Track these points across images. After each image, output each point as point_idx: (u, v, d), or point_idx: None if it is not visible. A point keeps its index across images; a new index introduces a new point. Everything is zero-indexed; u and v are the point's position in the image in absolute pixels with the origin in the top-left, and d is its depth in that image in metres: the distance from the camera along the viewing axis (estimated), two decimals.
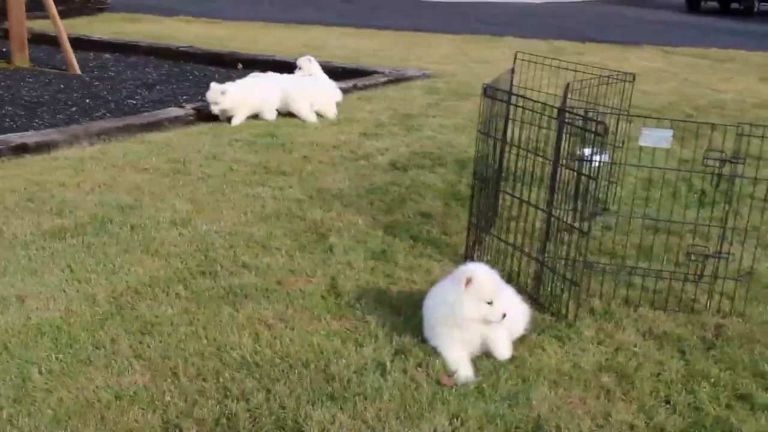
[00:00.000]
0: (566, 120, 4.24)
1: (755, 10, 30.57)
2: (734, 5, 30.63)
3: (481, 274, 3.70)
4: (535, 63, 6.34)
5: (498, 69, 12.88)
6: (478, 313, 3.66)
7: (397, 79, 11.00)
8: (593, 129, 3.98)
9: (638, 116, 5.54)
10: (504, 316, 3.66)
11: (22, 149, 6.72)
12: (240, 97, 8.21)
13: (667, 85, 11.86)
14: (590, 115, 4.36)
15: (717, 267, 4.46)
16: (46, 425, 3.14)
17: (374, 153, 7.31)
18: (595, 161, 6.07)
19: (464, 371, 3.61)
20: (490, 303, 3.64)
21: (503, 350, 3.76)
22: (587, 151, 4.64)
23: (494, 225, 5.33)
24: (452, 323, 3.70)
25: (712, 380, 3.67)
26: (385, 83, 10.73)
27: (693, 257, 4.51)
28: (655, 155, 6.07)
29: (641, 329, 4.15)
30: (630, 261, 4.94)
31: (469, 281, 3.65)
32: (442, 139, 7.98)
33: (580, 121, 4.19)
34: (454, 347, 3.72)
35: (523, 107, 4.54)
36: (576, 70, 6.02)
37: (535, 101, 4.50)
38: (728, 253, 4.46)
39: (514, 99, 4.76)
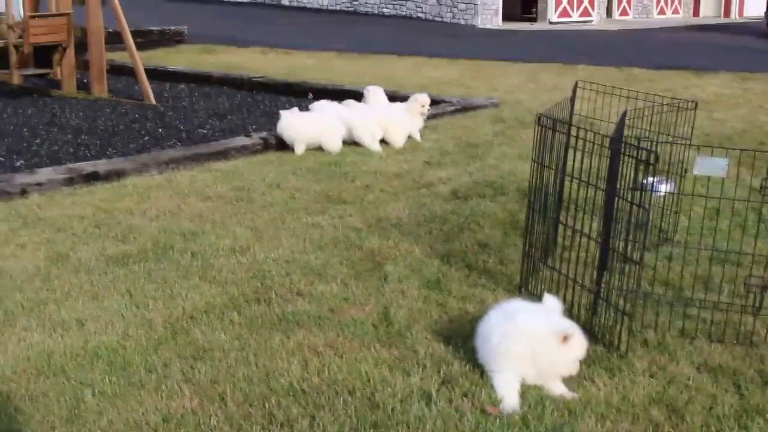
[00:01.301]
0: (618, 149, 4.20)
1: None
2: None
3: (579, 334, 3.70)
4: (598, 92, 6.30)
5: (566, 96, 12.84)
6: (568, 370, 3.70)
7: (465, 108, 11.01)
8: (644, 157, 3.93)
9: (703, 145, 5.45)
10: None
11: (93, 177, 6.95)
12: (300, 125, 8.35)
13: (740, 112, 11.60)
14: (644, 143, 4.31)
15: None
16: None
17: (436, 182, 7.34)
18: (660, 191, 6.00)
19: (511, 400, 3.60)
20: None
21: (562, 389, 3.75)
22: (650, 181, 4.59)
23: (552, 255, 5.29)
24: (528, 361, 3.69)
25: (767, 416, 3.57)
26: (452, 112, 10.75)
27: (750, 288, 4.40)
28: (718, 185, 5.96)
29: (696, 362, 4.06)
30: (688, 292, 4.85)
31: (566, 339, 3.64)
32: (504, 168, 7.96)
33: (634, 150, 4.15)
34: (510, 376, 3.71)
35: (576, 137, 4.51)
36: (637, 98, 5.97)
37: (587, 130, 4.47)
38: None
39: (567, 128, 4.73)
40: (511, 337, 3.74)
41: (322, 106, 8.98)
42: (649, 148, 4.01)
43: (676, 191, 5.96)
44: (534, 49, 20.76)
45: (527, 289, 4.84)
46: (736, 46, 24.48)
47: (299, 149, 8.28)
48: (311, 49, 18.01)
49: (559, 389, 3.72)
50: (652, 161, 3.88)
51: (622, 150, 4.22)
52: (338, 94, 11.09)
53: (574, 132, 4.57)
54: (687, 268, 5.19)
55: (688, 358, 4.09)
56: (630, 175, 4.37)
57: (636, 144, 4.17)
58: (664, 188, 5.92)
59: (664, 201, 5.93)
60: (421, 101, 9.09)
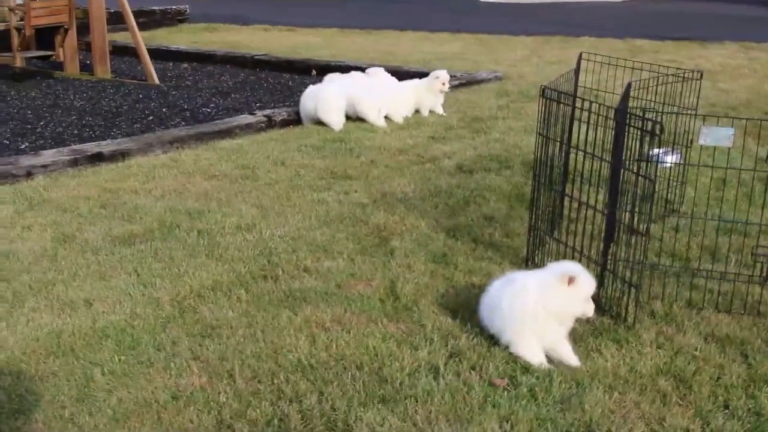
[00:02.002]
0: (623, 120, 4.18)
1: None
2: None
3: (582, 273, 3.76)
4: (603, 64, 6.27)
5: (570, 69, 12.77)
6: (582, 310, 3.75)
7: (469, 82, 10.97)
8: (649, 128, 3.91)
9: (708, 115, 5.43)
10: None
11: (97, 158, 6.94)
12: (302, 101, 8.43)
13: (746, 82, 11.52)
14: (649, 114, 4.29)
15: None
16: (105, 424, 3.26)
17: (441, 156, 7.32)
18: (666, 162, 5.98)
19: (537, 358, 3.72)
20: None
21: (573, 358, 3.79)
22: (656, 152, 4.57)
23: (558, 228, 5.27)
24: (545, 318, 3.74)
25: None
26: (456, 86, 10.69)
27: (758, 258, 4.39)
28: (725, 154, 5.94)
29: (703, 332, 4.06)
30: (695, 263, 4.84)
31: (572, 280, 3.69)
32: (509, 141, 7.93)
33: (639, 121, 4.13)
34: (528, 336, 3.76)
35: (581, 108, 4.49)
36: (642, 69, 5.94)
37: (592, 102, 4.45)
38: None
39: (572, 100, 4.71)
40: (520, 297, 3.78)
41: (332, 78, 8.98)
42: (654, 119, 3.98)
43: (682, 162, 5.94)
44: (537, 23, 20.63)
45: (534, 261, 4.84)
46: (741, 16, 24.30)
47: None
48: (314, 26, 17.92)
49: (568, 355, 3.77)
50: (657, 132, 3.86)
51: (627, 121, 4.20)
52: (341, 71, 11.00)
53: (579, 104, 4.54)
54: (694, 239, 5.20)
55: (696, 328, 4.09)
56: (635, 146, 4.36)
57: (641, 115, 4.15)
58: (670, 159, 5.89)
59: (670, 172, 5.91)
60: (441, 78, 9.03)
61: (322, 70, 12.11)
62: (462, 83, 10.89)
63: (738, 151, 6.11)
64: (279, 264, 4.83)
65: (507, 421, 3.27)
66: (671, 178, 5.91)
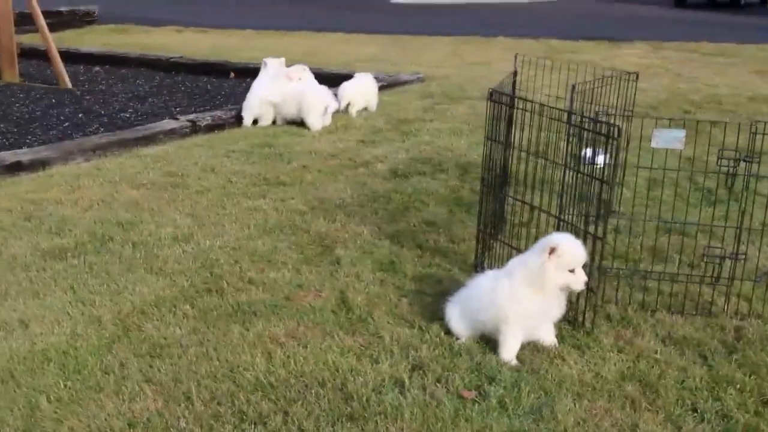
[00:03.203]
0: (577, 124, 4.16)
1: (741, 2, 30.62)
2: None
3: (565, 242, 3.74)
4: (539, 66, 6.24)
5: (491, 70, 12.87)
6: (565, 281, 3.71)
7: (392, 84, 10.90)
8: (607, 132, 3.88)
9: (651, 117, 5.45)
10: (586, 284, 3.77)
11: (16, 167, 6.61)
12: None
13: (662, 81, 11.79)
14: (600, 118, 4.27)
15: (734, 268, 4.38)
16: None
17: (373, 160, 7.22)
18: (598, 163, 6.00)
19: (510, 353, 3.75)
20: (572, 271, 3.70)
21: (552, 337, 3.90)
22: (589, 153, 4.57)
23: (502, 231, 5.23)
24: (534, 290, 3.74)
25: (738, 386, 3.58)
26: (380, 88, 10.60)
27: (709, 259, 4.42)
28: (655, 155, 6.00)
29: (660, 334, 4.06)
30: (643, 264, 4.86)
31: (552, 250, 3.67)
32: (440, 144, 7.88)
33: (592, 125, 4.11)
34: (519, 325, 3.77)
35: (531, 111, 4.44)
36: (571, 70, 5.96)
37: (543, 105, 4.41)
38: (744, 254, 4.38)
39: (520, 103, 4.67)
40: (504, 284, 3.81)
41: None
42: (611, 123, 3.96)
43: (612, 162, 5.97)
44: (450, 23, 20.77)
45: (483, 267, 4.78)
46: (647, 17, 24.97)
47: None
48: (228, 27, 17.62)
49: (550, 338, 3.87)
50: (615, 135, 3.84)
51: (581, 125, 4.17)
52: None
53: (528, 107, 4.50)
54: (635, 240, 5.22)
55: (652, 331, 4.09)
56: (570, 149, 4.35)
57: (595, 119, 4.13)
58: (601, 160, 5.92)
59: (603, 173, 5.93)
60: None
61: (242, 72, 11.91)
62: (385, 85, 10.80)
63: (665, 152, 6.19)
64: (222, 276, 4.64)
65: None
66: (609, 179, 5.93)
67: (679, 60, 14.78)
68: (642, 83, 11.35)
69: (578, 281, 3.74)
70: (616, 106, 5.83)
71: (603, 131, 3.96)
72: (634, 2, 30.60)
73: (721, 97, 10.77)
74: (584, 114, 4.27)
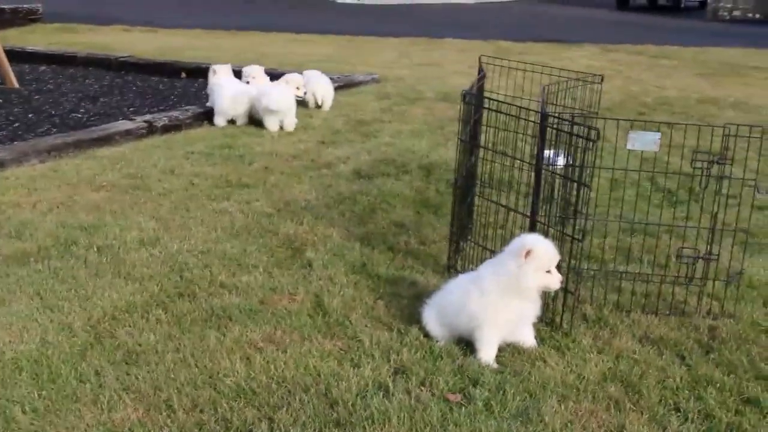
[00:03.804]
0: (553, 126, 4.17)
1: (682, 6, 31.24)
2: (662, 2, 31.27)
3: (540, 244, 3.74)
4: (495, 66, 6.25)
5: (443, 71, 12.92)
6: (541, 281, 3.71)
7: (347, 85, 10.86)
8: (586, 135, 3.90)
9: (623, 119, 5.49)
10: (562, 283, 3.77)
11: None
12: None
13: (614, 83, 11.92)
14: (575, 120, 4.29)
15: (707, 269, 4.44)
16: None
17: (335, 162, 7.16)
18: (558, 163, 6.04)
19: (488, 355, 3.75)
20: (548, 272, 3.71)
21: (532, 339, 3.92)
22: (548, 154, 4.59)
23: (471, 233, 5.23)
24: (509, 296, 3.74)
25: (718, 385, 3.62)
26: (335, 89, 10.55)
27: (682, 260, 4.47)
28: (616, 156, 6.06)
29: (637, 335, 4.09)
30: (611, 264, 4.89)
31: (528, 252, 3.66)
32: (401, 145, 7.86)
33: (569, 127, 4.12)
34: (494, 331, 3.77)
35: (507, 113, 4.45)
36: (533, 71, 6.00)
37: (519, 107, 4.42)
38: (717, 255, 4.44)
39: (493, 105, 4.67)
40: (478, 288, 3.80)
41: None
42: (589, 125, 3.97)
43: (569, 162, 6.02)
44: (397, 24, 20.77)
45: (456, 269, 4.76)
46: (592, 19, 25.31)
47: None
48: (176, 26, 17.38)
49: (530, 341, 3.89)
50: (594, 138, 3.85)
51: (557, 127, 4.19)
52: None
53: (499, 109, 4.50)
54: (601, 240, 5.25)
55: (629, 331, 4.12)
56: (537, 149, 4.37)
57: (571, 121, 4.14)
58: (559, 160, 5.96)
59: (580, 174, 5.98)
60: (295, 82, 8.87)
61: (193, 72, 11.75)
62: (340, 86, 10.75)
63: (624, 153, 6.26)
64: (193, 280, 4.55)
65: None
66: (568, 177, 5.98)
67: (627, 62, 15.01)
68: (594, 85, 11.57)
69: (555, 281, 3.75)
70: (577, 108, 5.89)
71: (582, 134, 3.96)
72: (577, 5, 31.02)
73: (672, 100, 10.97)
74: (559, 116, 4.27)
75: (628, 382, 3.63)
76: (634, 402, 3.48)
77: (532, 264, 3.70)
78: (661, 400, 3.50)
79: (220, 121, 8.44)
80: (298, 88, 8.69)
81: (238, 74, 9.10)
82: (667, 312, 4.33)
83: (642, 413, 3.40)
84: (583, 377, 3.65)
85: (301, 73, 9.37)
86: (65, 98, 10.01)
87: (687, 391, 3.57)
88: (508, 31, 19.57)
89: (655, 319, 4.26)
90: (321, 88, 9.48)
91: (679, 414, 3.41)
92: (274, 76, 9.40)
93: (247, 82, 8.82)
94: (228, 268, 4.73)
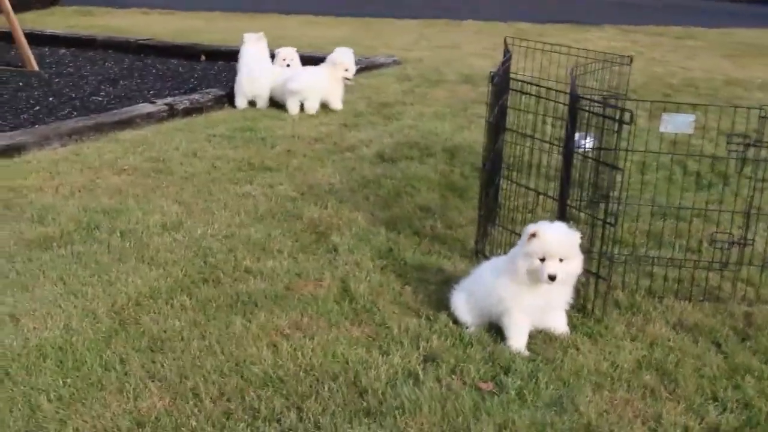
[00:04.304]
0: (586, 108, 4.07)
1: None
2: None
3: (546, 230, 3.60)
4: (519, 47, 6.14)
5: (462, 53, 12.78)
6: (529, 266, 3.60)
7: (368, 67, 10.73)
8: (618, 117, 3.79)
9: (658, 101, 5.41)
10: (553, 278, 3.57)
11: None
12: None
13: (636, 65, 11.68)
14: (608, 102, 4.19)
15: (742, 254, 4.33)
16: None
17: (358, 145, 7.08)
18: (583, 146, 5.95)
19: (518, 342, 3.65)
20: (542, 260, 3.58)
21: (564, 326, 3.83)
22: (576, 137, 4.49)
23: (499, 216, 5.14)
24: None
25: (756, 374, 3.54)
26: (357, 71, 10.44)
27: (716, 244, 4.36)
28: (640, 138, 5.96)
29: (671, 321, 4.00)
30: (643, 249, 4.79)
31: (533, 235, 3.58)
32: (424, 128, 7.76)
33: (602, 109, 4.02)
34: (521, 317, 3.70)
35: (537, 96, 4.35)
36: (559, 53, 5.90)
37: (547, 89, 4.32)
38: (752, 240, 4.33)
39: (521, 87, 4.57)
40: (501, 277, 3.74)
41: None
42: (621, 107, 3.87)
43: (596, 146, 5.91)
44: (416, 6, 20.57)
45: (483, 253, 4.68)
46: (614, 1, 24.99)
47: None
48: (194, 9, 17.27)
49: (562, 327, 3.80)
50: (627, 120, 3.74)
51: (589, 109, 4.09)
52: (233, 56, 10.61)
53: (528, 91, 4.41)
54: (632, 224, 5.15)
55: (662, 317, 4.03)
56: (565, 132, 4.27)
57: (604, 102, 4.04)
58: (586, 143, 5.86)
59: (594, 155, 5.87)
60: (343, 64, 8.49)
61: (212, 55, 11.67)
62: (361, 68, 10.62)
63: (652, 136, 6.15)
64: (217, 266, 4.49)
65: (505, 428, 3.09)
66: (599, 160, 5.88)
67: (649, 44, 14.81)
68: (616, 67, 11.41)
69: (543, 272, 3.58)
70: (603, 90, 5.79)
71: (614, 116, 3.86)
72: None
73: (697, 81, 10.79)
74: (590, 98, 4.17)
75: (664, 370, 3.54)
76: (671, 391, 3.40)
77: (528, 247, 3.61)
78: (697, 389, 3.41)
79: (240, 102, 8.36)
80: (346, 69, 8.45)
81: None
82: (701, 298, 4.23)
83: (678, 402, 3.32)
84: (617, 365, 3.56)
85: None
86: (85, 81, 9.95)
87: (724, 380, 3.48)
88: (526, 12, 19.34)
89: (689, 305, 4.17)
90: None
91: (716, 403, 3.32)
92: (313, 60, 9.26)
93: (288, 65, 8.58)
94: (252, 253, 4.67)
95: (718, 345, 3.79)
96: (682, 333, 3.88)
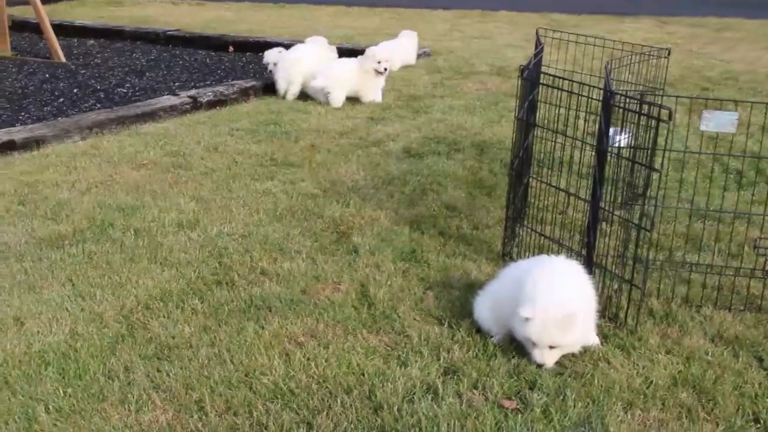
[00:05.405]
0: (620, 105, 3.83)
1: None
2: None
3: (539, 318, 3.32)
4: (552, 39, 5.89)
5: (495, 44, 12.52)
6: (524, 341, 3.43)
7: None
8: (657, 115, 3.55)
9: (692, 97, 5.14)
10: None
11: (8, 146, 6.25)
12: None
13: (673, 57, 11.38)
14: (643, 98, 3.94)
15: None
16: None
17: (385, 139, 6.87)
18: (617, 142, 5.70)
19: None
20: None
21: (594, 337, 3.60)
22: (611, 131, 4.25)
23: (526, 216, 4.91)
24: None
25: None
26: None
27: (760, 251, 4.10)
28: (676, 134, 5.70)
29: (709, 333, 3.75)
30: (679, 254, 4.54)
31: (527, 320, 3.33)
32: (453, 121, 7.54)
33: (639, 106, 3.78)
34: None
35: (569, 91, 4.10)
36: (594, 45, 5.66)
37: (580, 83, 4.08)
38: None
39: (552, 81, 4.33)
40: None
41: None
42: (660, 104, 3.62)
43: (632, 141, 5.66)
44: None
45: (510, 256, 4.46)
46: None
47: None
48: None
49: (592, 338, 3.57)
50: (666, 119, 3.50)
51: (625, 106, 3.85)
52: (261, 47, 10.48)
53: (561, 84, 4.17)
54: (668, 226, 4.91)
55: (700, 329, 3.78)
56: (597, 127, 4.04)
57: (641, 99, 3.80)
58: (621, 139, 5.61)
59: (629, 153, 5.62)
60: (376, 56, 8.22)
61: (240, 46, 11.53)
62: None
63: (691, 131, 5.89)
64: (232, 267, 4.32)
65: None
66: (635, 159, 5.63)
67: (687, 35, 14.41)
68: (655, 59, 11.09)
69: (533, 358, 3.38)
70: (639, 84, 5.54)
71: (651, 113, 3.62)
72: None
73: (738, 74, 10.43)
74: (626, 94, 3.93)
75: (701, 387, 3.30)
76: (708, 411, 3.16)
77: (522, 329, 3.37)
78: (738, 409, 3.17)
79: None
80: (379, 62, 8.16)
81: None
82: (742, 308, 3.98)
83: (717, 424, 3.08)
84: (651, 381, 3.33)
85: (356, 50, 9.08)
86: (111, 73, 9.85)
87: (767, 400, 3.24)
88: (561, 2, 18.96)
89: (729, 315, 3.91)
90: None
91: (758, 425, 3.09)
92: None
93: (384, 69, 8.17)
94: (269, 254, 4.48)
95: (761, 360, 3.54)
96: (721, 346, 3.63)
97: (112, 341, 3.55)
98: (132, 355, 3.45)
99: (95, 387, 3.21)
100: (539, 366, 3.36)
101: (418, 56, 10.78)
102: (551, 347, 3.36)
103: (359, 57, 8.24)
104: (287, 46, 9.12)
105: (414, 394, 3.19)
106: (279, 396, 3.17)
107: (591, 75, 5.66)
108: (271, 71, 8.49)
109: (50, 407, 3.07)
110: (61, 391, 3.17)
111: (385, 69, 8.12)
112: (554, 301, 3.32)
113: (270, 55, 8.60)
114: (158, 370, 3.33)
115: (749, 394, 3.27)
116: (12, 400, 3.12)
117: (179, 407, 3.10)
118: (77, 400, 3.12)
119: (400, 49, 10.05)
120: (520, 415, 3.07)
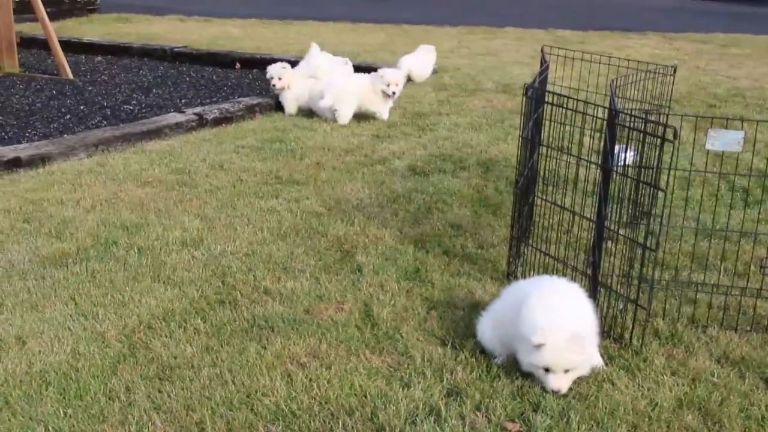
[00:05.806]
0: (625, 124, 3.81)
1: None
2: None
3: (553, 343, 3.29)
4: (557, 56, 5.88)
5: (502, 61, 12.53)
6: (533, 371, 3.39)
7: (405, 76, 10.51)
8: (662, 134, 3.53)
9: (697, 116, 5.12)
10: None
11: (14, 164, 6.26)
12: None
13: (680, 73, 11.36)
14: (650, 117, 3.93)
15: None
16: None
17: (390, 157, 6.87)
18: (623, 160, 5.68)
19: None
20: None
21: (598, 357, 3.55)
22: (617, 149, 4.23)
23: (531, 235, 4.89)
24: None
25: None
26: None
27: (766, 271, 4.07)
28: (684, 152, 5.68)
29: (715, 354, 3.71)
30: (685, 273, 4.52)
31: (539, 346, 3.30)
32: (459, 139, 7.53)
33: (644, 125, 3.76)
34: None
35: (574, 110, 4.09)
36: (599, 63, 5.65)
37: (585, 102, 4.06)
38: None
39: (557, 100, 4.32)
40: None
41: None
42: (665, 123, 3.60)
43: (637, 159, 5.64)
44: (456, 12, 20.33)
45: (515, 275, 4.44)
46: (652, 6, 24.53)
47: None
48: (231, 16, 17.22)
49: (596, 359, 3.51)
50: (671, 138, 3.48)
51: (629, 125, 3.83)
52: (267, 63, 10.47)
53: (565, 103, 4.15)
54: (673, 245, 4.88)
55: (706, 349, 3.75)
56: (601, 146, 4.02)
57: (645, 118, 3.78)
58: (626, 157, 5.58)
59: (635, 171, 5.60)
60: (385, 79, 8.16)
61: (247, 63, 11.55)
62: None
63: (696, 149, 5.86)
64: (235, 286, 4.30)
65: None
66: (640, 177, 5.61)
67: (693, 51, 14.42)
68: (662, 76, 11.08)
69: (547, 385, 3.34)
70: (645, 102, 5.52)
71: (657, 132, 3.60)
72: None
73: (744, 91, 10.42)
74: (630, 113, 3.91)
75: (707, 409, 3.27)
76: None
77: (532, 356, 3.34)
78: None
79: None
80: (388, 85, 8.12)
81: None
82: (749, 328, 3.95)
83: None
84: (656, 403, 3.30)
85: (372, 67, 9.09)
86: (118, 89, 9.87)
87: None
88: (567, 19, 18.99)
89: (735, 335, 3.88)
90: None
91: None
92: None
93: (393, 93, 8.15)
94: (273, 273, 4.47)
95: (767, 381, 3.51)
96: (727, 367, 3.59)
97: (113, 361, 3.54)
98: (133, 375, 3.43)
99: (96, 408, 3.19)
100: (555, 393, 3.32)
101: None
102: (566, 371, 3.33)
103: (371, 74, 8.24)
104: (293, 63, 9.14)
105: (416, 416, 3.17)
106: (280, 418, 3.15)
107: (596, 93, 5.65)
108: (274, 85, 8.47)
109: (50, 428, 3.05)
110: (62, 412, 3.15)
111: (394, 93, 8.10)
112: (559, 323, 3.29)
113: (273, 70, 8.59)
114: (159, 391, 3.31)
115: (756, 416, 3.24)
116: (12, 420, 3.10)
117: (180, 429, 3.08)
118: (77, 421, 3.10)
119: (421, 61, 10.58)
120: None
